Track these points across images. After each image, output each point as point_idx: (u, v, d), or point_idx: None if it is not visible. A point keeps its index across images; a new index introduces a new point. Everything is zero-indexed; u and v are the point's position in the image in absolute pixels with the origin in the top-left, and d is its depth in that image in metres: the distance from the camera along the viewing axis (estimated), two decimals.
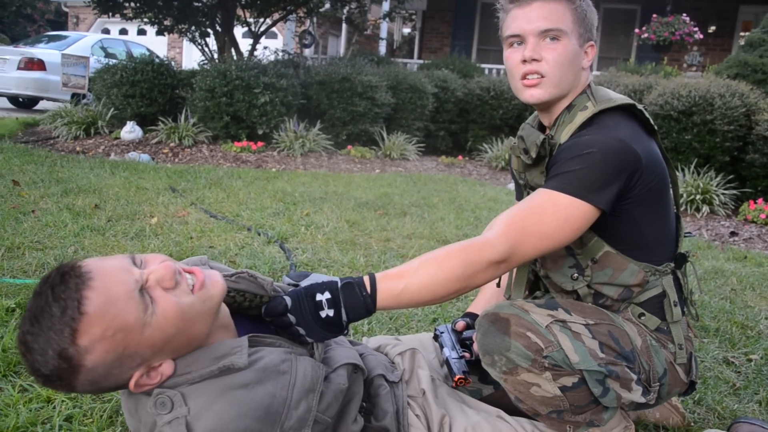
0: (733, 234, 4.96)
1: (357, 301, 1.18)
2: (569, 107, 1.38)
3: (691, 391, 1.49)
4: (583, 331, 1.29)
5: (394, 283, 1.19)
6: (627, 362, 1.31)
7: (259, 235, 3.48)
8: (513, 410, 1.40)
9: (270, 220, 3.91)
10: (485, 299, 1.70)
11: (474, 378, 1.54)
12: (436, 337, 1.56)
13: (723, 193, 5.64)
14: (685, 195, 5.57)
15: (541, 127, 1.49)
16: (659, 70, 9.67)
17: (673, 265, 1.42)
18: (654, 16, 11.21)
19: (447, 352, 1.47)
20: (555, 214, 1.24)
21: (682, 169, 5.91)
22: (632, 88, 6.90)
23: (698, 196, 5.53)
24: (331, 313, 1.17)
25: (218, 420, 0.98)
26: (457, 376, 1.39)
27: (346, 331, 1.21)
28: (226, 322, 1.16)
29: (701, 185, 5.59)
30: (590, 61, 1.39)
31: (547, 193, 1.27)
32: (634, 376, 1.31)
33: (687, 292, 1.47)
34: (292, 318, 1.17)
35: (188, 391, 1.02)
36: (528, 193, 1.45)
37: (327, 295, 1.18)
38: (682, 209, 5.54)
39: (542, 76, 1.33)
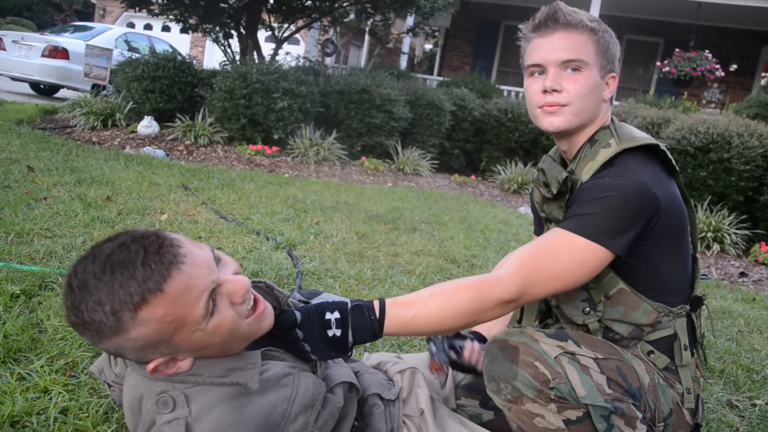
0: (742, 275, 4.92)
1: (365, 324, 1.19)
2: (591, 141, 1.37)
3: None
4: (592, 365, 1.27)
5: (403, 311, 1.20)
6: (633, 399, 1.29)
7: (268, 240, 3.48)
8: None
9: (279, 226, 3.90)
10: (492, 322, 1.69)
11: (474, 402, 1.54)
12: (429, 341, 1.56)
13: (735, 233, 5.60)
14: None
15: (563, 160, 1.48)
16: (678, 104, 9.65)
17: (688, 307, 1.40)
18: (676, 50, 11.21)
19: (433, 347, 1.49)
20: (569, 255, 1.24)
21: (695, 206, 5.88)
22: (650, 120, 6.89)
23: (710, 234, 5.50)
24: (338, 333, 1.18)
25: (217, 425, 0.98)
26: (432, 361, 1.44)
27: (350, 353, 1.22)
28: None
29: (713, 223, 5.55)
30: (611, 93, 1.39)
31: (562, 234, 1.26)
32: (640, 414, 1.29)
33: (699, 335, 1.45)
34: (299, 333, 1.18)
35: (192, 392, 1.02)
36: (548, 227, 1.45)
37: (336, 315, 1.19)
38: None
39: (563, 106, 1.33)
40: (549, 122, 1.36)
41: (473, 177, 8.77)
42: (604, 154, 1.33)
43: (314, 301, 1.25)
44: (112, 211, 3.52)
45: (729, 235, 5.54)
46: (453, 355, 1.50)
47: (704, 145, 5.89)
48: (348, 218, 4.47)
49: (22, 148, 5.16)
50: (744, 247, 5.71)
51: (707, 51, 11.02)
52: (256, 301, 1.09)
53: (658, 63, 11.71)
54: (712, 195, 5.92)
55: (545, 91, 1.33)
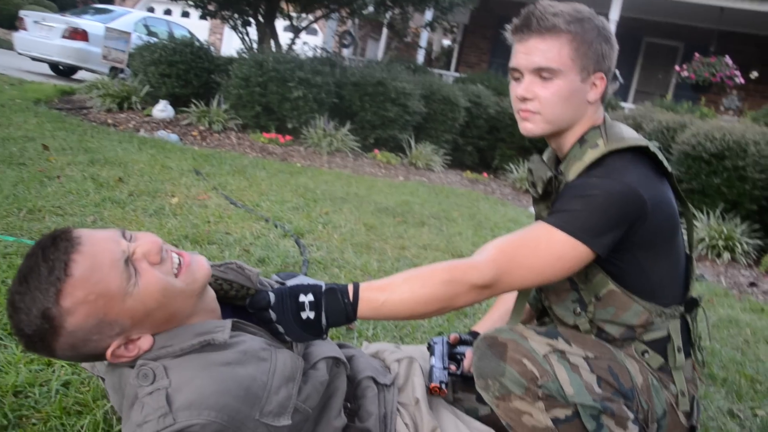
0: (752, 284, 4.88)
1: (338, 307, 1.20)
2: (581, 141, 1.35)
3: None
4: (582, 364, 1.26)
5: (376, 294, 1.21)
6: (625, 399, 1.28)
7: (276, 227, 3.49)
8: None
9: (288, 214, 3.92)
10: (492, 321, 1.69)
11: (471, 397, 1.54)
12: (429, 347, 1.57)
13: (747, 242, 5.55)
14: (707, 239, 5.49)
15: (557, 159, 1.46)
16: (695, 110, 9.56)
17: (682, 308, 1.39)
18: (696, 55, 11.09)
19: (433, 360, 1.49)
20: (548, 249, 1.23)
21: (707, 213, 5.83)
22: (666, 125, 6.83)
23: (720, 242, 5.45)
24: (312, 315, 1.19)
25: (198, 394, 0.99)
26: (433, 384, 1.41)
27: (324, 336, 1.22)
28: (212, 307, 1.18)
29: (725, 231, 5.51)
30: (599, 94, 1.34)
31: (544, 227, 1.25)
32: (631, 415, 1.28)
33: (695, 337, 1.43)
34: (272, 314, 1.18)
35: (171, 364, 1.03)
36: None
37: (310, 297, 1.20)
38: (702, 253, 5.47)
39: (534, 113, 1.32)
40: (523, 127, 1.36)
41: (485, 174, 8.75)
42: (591, 155, 1.31)
43: (289, 283, 1.25)
44: (123, 192, 3.55)
45: (740, 243, 5.49)
46: (453, 368, 1.50)
47: (719, 151, 5.83)
48: (357, 210, 4.48)
49: (39, 126, 5.20)
50: (755, 257, 5.66)
51: (728, 57, 10.90)
52: (181, 256, 1.10)
53: (677, 67, 11.60)
54: (725, 202, 5.86)
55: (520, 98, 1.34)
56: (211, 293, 1.19)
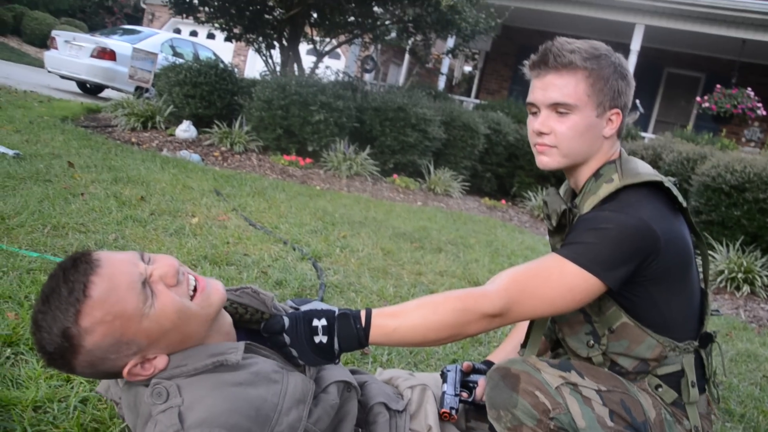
0: None
1: (350, 333, 1.22)
2: (596, 176, 1.37)
3: None
4: (594, 397, 1.27)
5: (388, 321, 1.23)
6: None
7: (294, 250, 3.52)
8: None
9: (307, 237, 3.95)
10: (506, 351, 1.70)
11: (484, 426, 1.54)
12: (442, 374, 1.58)
13: (767, 275, 5.48)
14: (726, 272, 5.43)
15: (573, 193, 1.48)
16: (716, 141, 9.51)
17: (696, 343, 1.38)
18: (718, 86, 11.06)
19: (445, 387, 1.51)
20: (560, 280, 1.24)
21: (727, 245, 5.77)
22: (686, 156, 6.80)
23: (740, 275, 5.39)
24: (324, 339, 1.22)
25: (210, 412, 1.01)
26: (443, 410, 1.43)
27: (337, 360, 1.25)
28: (227, 330, 1.21)
29: (745, 264, 5.45)
30: (614, 129, 1.37)
31: (556, 259, 1.27)
32: None
33: (710, 373, 1.43)
34: (286, 338, 1.21)
35: (184, 383, 1.07)
36: None
37: (323, 322, 1.23)
38: (721, 285, 5.41)
39: (551, 147, 1.36)
40: (539, 161, 1.39)
41: (503, 201, 8.74)
42: (605, 189, 1.33)
43: (303, 309, 1.28)
44: (144, 210, 3.61)
45: (761, 277, 5.42)
46: (465, 395, 1.52)
47: (740, 183, 5.79)
48: (375, 234, 4.50)
49: (65, 144, 5.31)
50: None
51: (749, 89, 10.86)
52: (197, 279, 1.14)
53: (698, 98, 11.57)
54: (745, 235, 5.80)
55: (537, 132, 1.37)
56: (226, 317, 1.22)
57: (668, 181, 1.35)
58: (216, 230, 3.57)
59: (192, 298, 1.12)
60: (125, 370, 1.08)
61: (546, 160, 1.38)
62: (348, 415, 1.28)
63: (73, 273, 1.03)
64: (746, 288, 5.34)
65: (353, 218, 4.98)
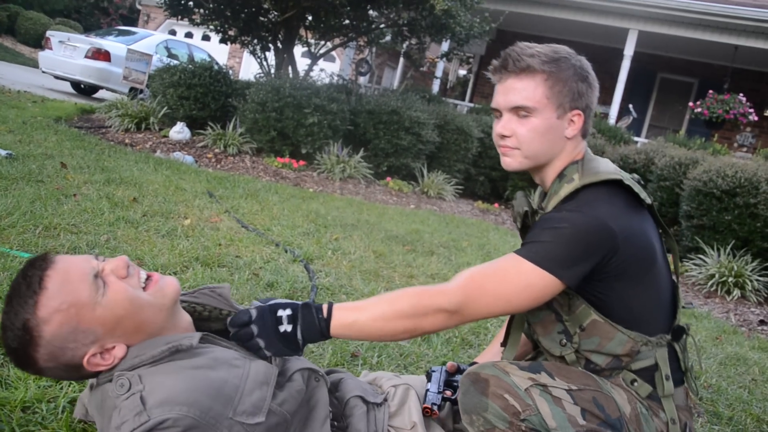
0: (762, 323, 4.84)
1: (312, 323, 1.26)
2: (560, 176, 1.40)
3: None
4: (565, 397, 1.28)
5: (347, 314, 1.27)
6: (612, 430, 1.29)
7: (286, 252, 3.53)
8: None
9: (299, 239, 3.96)
10: (492, 353, 1.71)
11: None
12: (428, 375, 1.60)
13: (757, 280, 5.51)
14: (717, 276, 5.46)
15: (544, 195, 1.50)
16: (708, 146, 9.57)
17: (669, 337, 1.40)
18: (710, 92, 11.13)
19: (429, 385, 1.53)
20: (516, 278, 1.26)
21: (718, 249, 5.81)
22: (678, 160, 6.84)
23: (731, 279, 5.42)
24: (289, 328, 1.25)
25: (170, 393, 1.06)
26: (425, 405, 1.45)
27: (300, 352, 1.28)
28: (186, 327, 1.27)
29: (735, 268, 5.48)
30: (576, 130, 1.40)
31: (513, 258, 1.29)
32: None
33: (686, 366, 1.44)
34: (254, 328, 1.25)
35: (145, 372, 1.11)
36: None
37: (288, 311, 1.27)
38: (712, 290, 5.44)
39: (513, 149, 1.39)
40: (504, 162, 1.44)
41: (496, 205, 8.77)
42: (566, 189, 1.36)
43: (269, 303, 1.31)
44: (137, 212, 3.61)
45: (751, 281, 5.46)
46: (448, 393, 1.53)
47: (731, 188, 5.83)
48: (367, 237, 4.51)
49: (58, 144, 5.31)
50: (766, 295, 5.62)
51: (741, 94, 10.93)
52: (150, 275, 1.23)
53: (691, 103, 11.64)
54: (736, 239, 5.84)
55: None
56: (185, 315, 1.27)
57: (629, 179, 1.37)
58: (208, 232, 3.57)
59: (144, 289, 1.20)
60: (85, 359, 1.14)
61: (509, 161, 1.42)
62: (319, 403, 1.30)
63: (30, 270, 1.12)
64: (737, 292, 5.37)
65: (346, 221, 4.99)
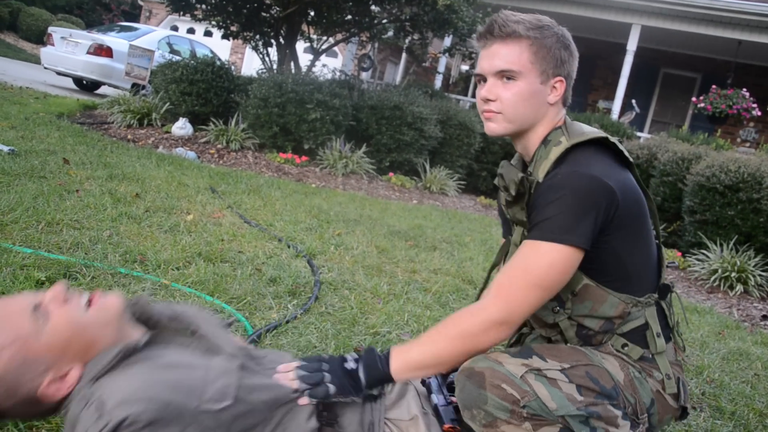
0: (765, 318, 4.84)
1: (373, 360, 1.33)
2: (545, 142, 1.43)
3: (685, 417, 1.49)
4: (559, 377, 1.30)
5: (404, 347, 1.35)
6: (609, 400, 1.31)
7: (289, 247, 3.53)
8: None
9: (301, 235, 3.96)
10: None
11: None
12: (423, 383, 1.57)
13: (760, 275, 5.51)
14: (720, 271, 5.46)
15: (524, 164, 1.53)
16: (711, 141, 9.54)
17: (656, 296, 1.44)
18: (713, 87, 11.10)
19: (435, 398, 1.50)
20: (539, 262, 1.29)
21: (721, 245, 5.80)
22: (681, 155, 6.82)
23: (733, 274, 5.42)
24: (353, 365, 1.34)
25: (126, 392, 1.07)
26: (446, 425, 1.42)
27: (362, 392, 1.32)
28: (141, 337, 1.28)
29: (738, 263, 5.48)
30: (559, 96, 1.43)
31: (529, 245, 1.32)
32: (618, 413, 1.31)
33: (672, 322, 1.48)
34: (324, 365, 1.34)
35: (102, 381, 1.13)
36: (514, 229, 1.52)
37: (354, 355, 1.38)
38: (715, 284, 5.43)
39: (497, 113, 1.41)
40: (487, 128, 1.45)
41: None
42: (555, 152, 1.38)
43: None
44: (139, 207, 3.61)
45: (754, 276, 5.45)
46: (454, 400, 1.49)
47: (734, 183, 5.81)
48: (370, 232, 4.51)
49: (60, 140, 5.31)
50: None
51: (745, 89, 10.90)
52: (91, 296, 1.26)
53: (694, 98, 11.60)
54: (738, 235, 5.83)
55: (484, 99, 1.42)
56: (137, 327, 1.30)
57: (613, 138, 1.41)
58: (211, 227, 3.58)
59: (87, 309, 1.23)
60: (42, 389, 1.16)
61: (493, 126, 1.43)
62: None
63: None
64: (739, 287, 5.37)
65: (348, 216, 4.99)
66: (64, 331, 1.17)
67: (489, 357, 1.33)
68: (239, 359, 1.26)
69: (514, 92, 1.38)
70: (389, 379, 1.32)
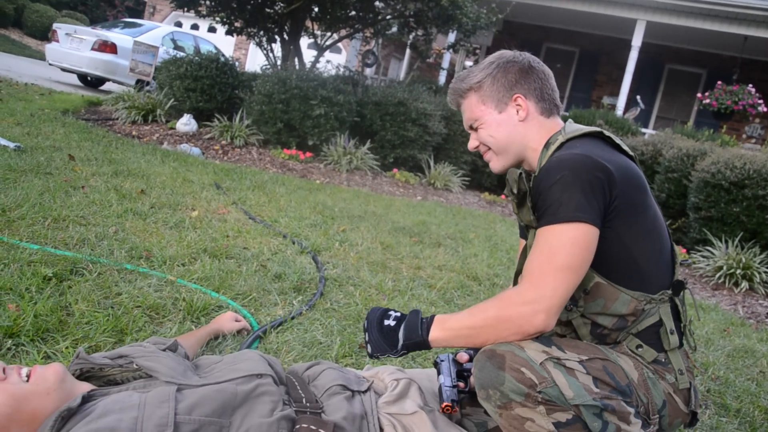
0: None
1: (415, 323, 1.42)
2: (546, 146, 1.50)
3: (695, 423, 1.50)
4: (577, 367, 1.32)
5: (445, 316, 1.42)
6: (623, 396, 1.33)
7: (294, 243, 3.54)
8: None
9: (306, 231, 3.96)
10: None
11: (479, 410, 1.58)
12: (436, 365, 1.60)
13: (765, 272, 5.50)
14: (725, 268, 5.45)
15: (529, 175, 1.55)
16: (716, 137, 9.51)
17: (670, 292, 1.45)
18: (719, 83, 11.06)
19: (441, 379, 1.53)
20: (560, 242, 1.31)
21: (726, 241, 5.79)
22: (686, 152, 6.81)
23: (739, 271, 5.41)
24: (392, 323, 1.46)
25: None
26: (444, 403, 1.45)
27: (396, 351, 1.41)
28: (81, 392, 1.29)
29: (743, 260, 5.46)
30: (527, 111, 1.53)
31: (545, 231, 1.34)
32: (632, 410, 1.32)
33: (685, 320, 1.50)
34: (365, 323, 1.50)
35: None
36: (529, 231, 1.53)
37: (397, 313, 1.49)
38: (720, 281, 5.42)
39: (487, 151, 1.60)
40: (492, 168, 1.62)
41: (504, 196, 8.73)
42: (553, 148, 1.46)
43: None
44: (145, 204, 3.62)
45: (759, 273, 5.44)
46: (461, 385, 1.54)
47: (739, 180, 5.80)
48: (374, 228, 4.51)
49: (66, 137, 5.32)
50: None
51: (750, 85, 10.86)
52: (31, 369, 1.27)
53: (699, 94, 11.56)
54: (744, 231, 5.82)
55: None
56: (80, 386, 1.32)
57: (608, 131, 1.48)
58: (216, 223, 3.58)
59: (27, 381, 1.24)
60: None
61: (493, 164, 1.60)
62: (264, 395, 1.33)
63: None
64: (745, 284, 5.36)
65: (353, 212, 5.00)
66: (4, 406, 1.18)
67: (511, 341, 1.34)
68: (177, 381, 1.29)
69: (485, 134, 1.57)
70: (426, 345, 1.38)
